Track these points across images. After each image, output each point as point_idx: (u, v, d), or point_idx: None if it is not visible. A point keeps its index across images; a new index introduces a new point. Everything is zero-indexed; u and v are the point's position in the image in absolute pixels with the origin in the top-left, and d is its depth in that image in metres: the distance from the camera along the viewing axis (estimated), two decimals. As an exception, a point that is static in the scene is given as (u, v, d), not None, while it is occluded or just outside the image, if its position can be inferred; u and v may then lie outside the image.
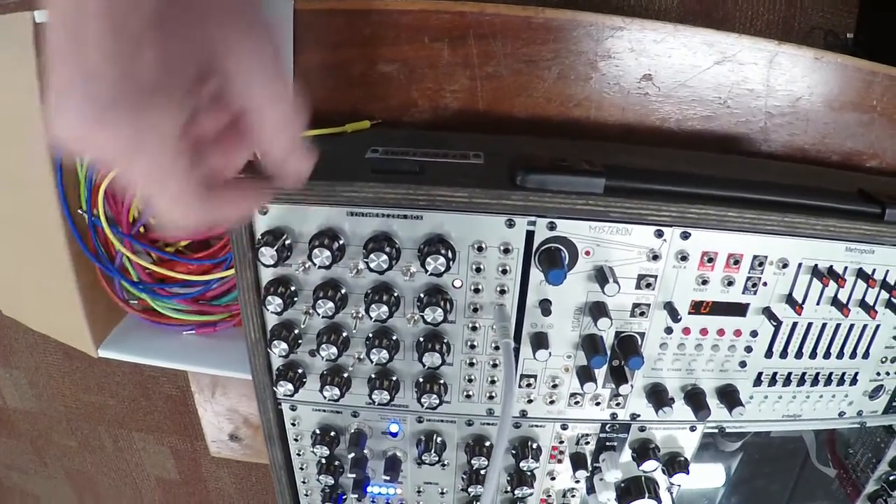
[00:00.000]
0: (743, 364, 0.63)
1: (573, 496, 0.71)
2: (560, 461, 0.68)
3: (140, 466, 1.61)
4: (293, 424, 0.67)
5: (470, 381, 0.62)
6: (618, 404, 0.64)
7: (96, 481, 1.71)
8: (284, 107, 0.37)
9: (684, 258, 0.56)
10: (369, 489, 0.70)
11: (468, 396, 0.63)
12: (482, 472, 0.67)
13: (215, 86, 0.35)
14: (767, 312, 0.59)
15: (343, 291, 0.57)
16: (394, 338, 0.59)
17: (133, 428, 1.53)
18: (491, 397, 0.63)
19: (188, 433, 1.48)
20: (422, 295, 0.57)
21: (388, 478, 0.67)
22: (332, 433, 0.67)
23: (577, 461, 0.67)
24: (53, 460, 1.70)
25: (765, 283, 0.58)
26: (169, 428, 1.49)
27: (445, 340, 0.59)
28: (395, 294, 0.57)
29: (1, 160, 0.76)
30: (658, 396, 0.63)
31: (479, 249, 0.55)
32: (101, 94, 0.31)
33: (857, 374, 0.66)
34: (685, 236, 0.55)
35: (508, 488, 0.68)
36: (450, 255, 0.54)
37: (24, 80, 0.70)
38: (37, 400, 1.57)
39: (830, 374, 0.65)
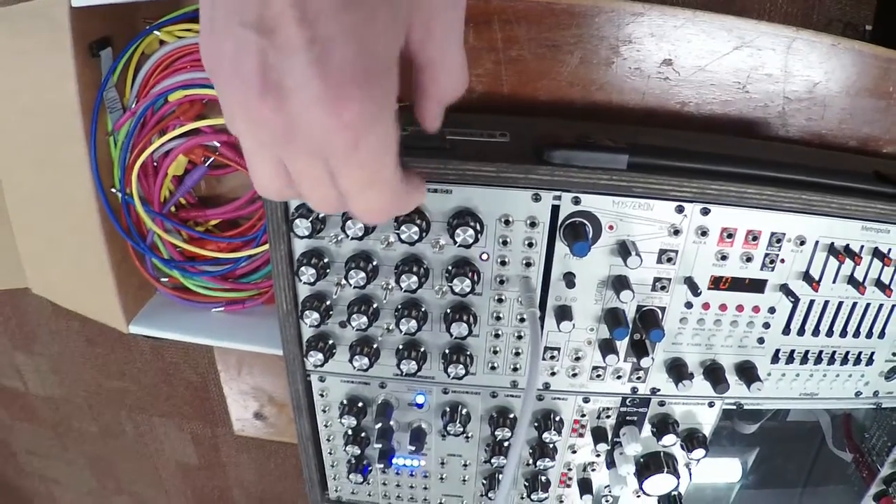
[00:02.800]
0: (761, 340, 0.64)
1: (593, 469, 0.73)
2: (581, 435, 0.70)
3: (160, 452, 1.63)
4: (321, 395, 0.69)
5: (495, 352, 0.64)
6: (638, 378, 0.66)
7: (116, 466, 1.73)
8: (465, 60, 0.40)
9: (704, 234, 0.58)
10: (394, 461, 0.72)
11: (493, 368, 0.65)
12: (505, 443, 0.69)
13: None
14: (785, 289, 0.61)
15: (374, 263, 0.59)
16: (422, 309, 0.61)
17: (154, 413, 1.55)
18: (515, 369, 0.65)
19: (209, 419, 1.50)
20: (450, 267, 0.59)
21: (413, 448, 0.69)
22: (360, 404, 0.69)
23: (598, 435, 0.69)
24: (74, 446, 1.72)
25: (782, 260, 0.60)
26: (189, 414, 1.51)
27: (472, 312, 0.61)
28: (425, 266, 0.59)
29: (36, 140, 0.78)
30: (678, 370, 0.64)
31: (506, 223, 0.57)
32: (340, 68, 0.30)
33: (872, 353, 0.67)
34: (705, 212, 0.57)
35: (530, 460, 0.70)
36: (478, 227, 0.55)
37: (59, 64, 0.73)
38: (59, 386, 1.60)
39: (847, 352, 0.66)
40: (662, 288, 0.60)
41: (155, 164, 0.79)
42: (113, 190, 0.79)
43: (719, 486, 0.83)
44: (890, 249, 0.60)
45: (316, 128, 0.31)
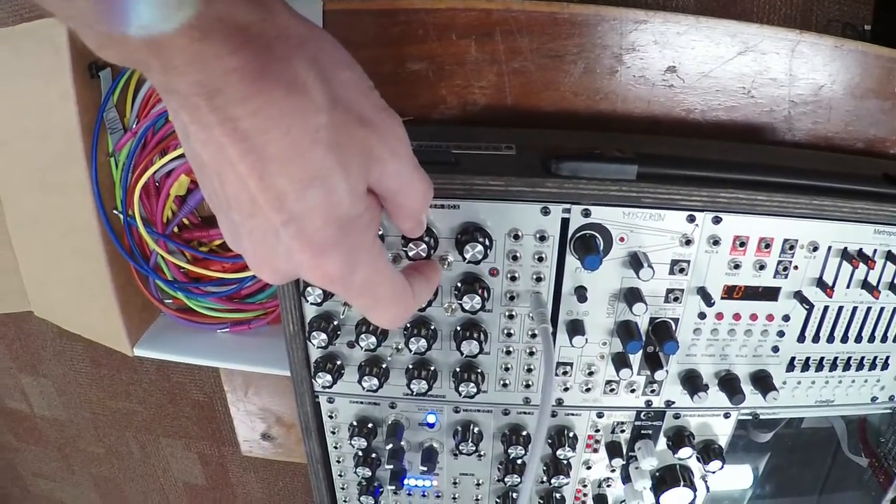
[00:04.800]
0: (776, 349, 0.63)
1: (609, 485, 0.72)
2: (596, 450, 0.69)
3: (167, 472, 1.62)
4: (330, 417, 0.68)
5: (506, 369, 0.63)
6: (653, 391, 0.65)
7: (123, 488, 1.72)
8: (424, 177, 0.41)
9: (716, 243, 0.57)
10: (406, 481, 0.71)
11: (504, 385, 0.64)
12: (519, 461, 0.68)
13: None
14: (799, 296, 0.60)
15: (382, 281, 0.58)
16: (431, 327, 0.60)
17: (160, 434, 1.53)
18: (527, 386, 0.64)
19: (216, 438, 1.48)
20: (459, 284, 0.58)
21: (424, 469, 0.67)
22: (370, 425, 0.68)
23: (613, 450, 0.68)
24: (80, 467, 1.71)
25: (795, 267, 0.59)
26: (196, 433, 1.49)
27: (483, 329, 0.60)
28: (433, 283, 0.58)
29: (37, 162, 0.78)
30: (693, 382, 0.63)
31: (516, 237, 0.56)
32: (315, 236, 0.34)
33: (888, 357, 0.66)
34: (717, 221, 0.56)
35: (545, 478, 0.69)
36: (487, 242, 0.55)
37: (59, 85, 0.72)
38: (64, 407, 1.59)
39: (862, 358, 0.65)
40: (675, 299, 0.59)
41: (157, 184, 0.78)
42: (115, 211, 0.78)
43: (734, 493, 0.82)
44: (904, 253, 0.59)
45: (313, 280, 0.36)
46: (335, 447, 0.71)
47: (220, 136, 0.31)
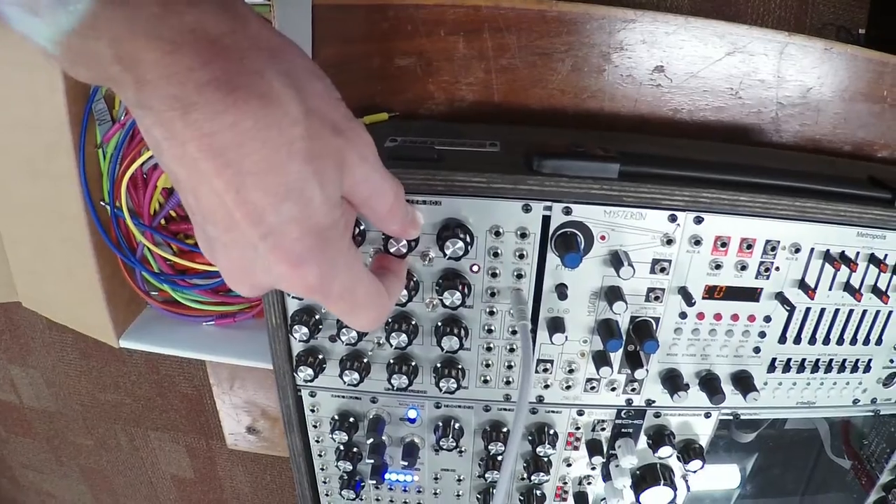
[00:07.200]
0: (757, 350, 0.63)
1: (589, 483, 0.72)
2: (576, 448, 0.69)
3: (156, 465, 1.63)
4: (312, 411, 0.68)
5: (487, 366, 0.63)
6: (633, 390, 0.65)
7: (112, 480, 1.72)
8: (392, 179, 0.42)
9: (698, 243, 0.57)
10: (387, 476, 0.71)
11: (485, 382, 0.64)
12: (499, 457, 0.68)
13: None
14: (780, 297, 0.60)
15: (363, 276, 0.58)
16: (413, 322, 0.60)
17: (149, 426, 1.54)
18: (508, 382, 0.64)
19: (204, 432, 1.49)
20: (440, 279, 0.58)
21: (405, 463, 0.68)
22: (351, 419, 0.68)
23: (593, 447, 0.68)
24: (69, 459, 1.71)
25: (777, 268, 0.59)
26: (185, 426, 1.50)
27: (463, 325, 0.60)
28: (415, 279, 0.58)
29: (25, 153, 0.78)
30: (673, 382, 0.63)
31: (497, 234, 0.56)
32: (294, 248, 0.35)
33: (870, 360, 0.66)
34: (698, 221, 0.56)
35: (525, 475, 0.69)
36: (468, 239, 0.55)
37: (48, 76, 0.72)
38: (53, 399, 1.59)
39: (844, 360, 0.66)
40: (656, 298, 0.59)
41: (144, 176, 0.78)
42: (102, 203, 0.78)
43: (718, 493, 0.82)
44: (886, 255, 0.59)
45: (293, 290, 0.37)
46: (317, 441, 0.71)
47: (195, 152, 0.30)
